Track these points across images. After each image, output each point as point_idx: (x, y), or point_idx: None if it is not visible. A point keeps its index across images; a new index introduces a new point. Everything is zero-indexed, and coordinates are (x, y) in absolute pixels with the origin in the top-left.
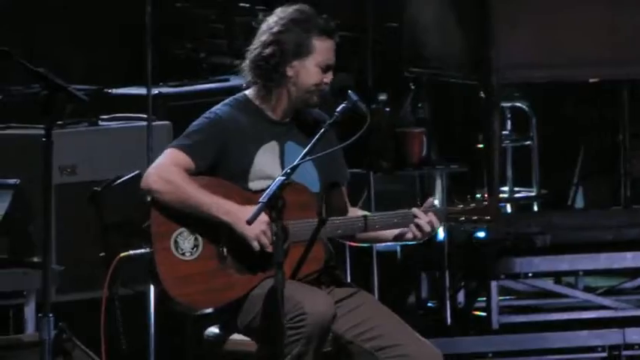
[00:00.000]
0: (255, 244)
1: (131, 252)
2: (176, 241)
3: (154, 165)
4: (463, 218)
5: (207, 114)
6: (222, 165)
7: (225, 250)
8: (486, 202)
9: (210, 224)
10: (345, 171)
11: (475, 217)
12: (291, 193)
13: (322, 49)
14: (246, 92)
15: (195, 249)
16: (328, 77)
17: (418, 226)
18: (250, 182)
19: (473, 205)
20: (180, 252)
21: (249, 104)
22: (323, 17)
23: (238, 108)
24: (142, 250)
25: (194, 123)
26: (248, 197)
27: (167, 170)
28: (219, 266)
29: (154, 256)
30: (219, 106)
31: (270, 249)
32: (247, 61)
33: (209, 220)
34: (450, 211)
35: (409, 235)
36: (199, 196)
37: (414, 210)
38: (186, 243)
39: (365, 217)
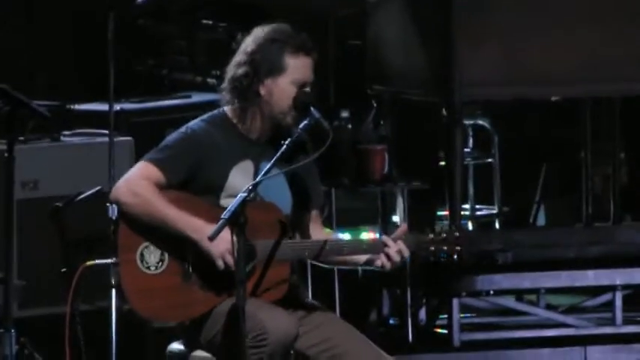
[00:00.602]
0: (220, 263)
1: (96, 261)
2: (142, 254)
3: (124, 177)
4: (433, 248)
5: (182, 129)
6: (195, 180)
7: (190, 266)
8: (457, 233)
9: (176, 240)
10: (319, 194)
11: (445, 247)
12: (260, 212)
13: (296, 66)
14: (225, 109)
15: (160, 263)
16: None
17: (387, 255)
18: (222, 199)
19: (444, 235)
20: (146, 265)
21: (226, 121)
22: (299, 35)
23: (215, 124)
24: (107, 260)
25: (168, 137)
26: (217, 214)
27: (137, 183)
28: (184, 282)
29: (119, 267)
30: (195, 121)
31: (232, 266)
32: (225, 81)
33: (175, 235)
34: (420, 240)
35: (377, 263)
36: (167, 211)
37: (384, 238)
38: (152, 257)
39: (333, 241)
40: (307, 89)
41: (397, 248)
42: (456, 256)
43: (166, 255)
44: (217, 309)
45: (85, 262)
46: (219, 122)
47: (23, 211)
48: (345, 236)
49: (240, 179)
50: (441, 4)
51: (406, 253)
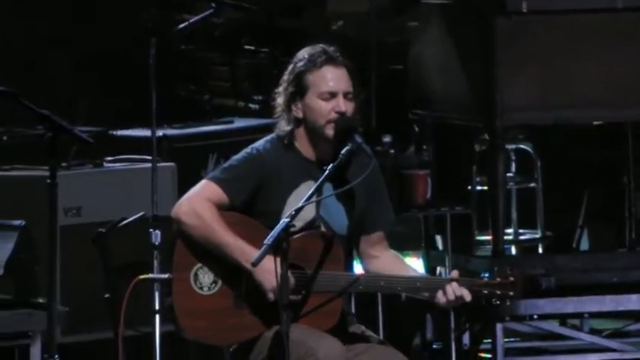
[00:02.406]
0: (271, 296)
1: (150, 275)
2: (196, 274)
3: (187, 195)
4: (486, 292)
5: (248, 149)
6: (256, 202)
7: (243, 290)
8: (512, 278)
9: (231, 265)
10: (383, 216)
11: (499, 292)
12: (320, 242)
13: (317, 79)
14: (287, 129)
15: (214, 285)
16: (338, 104)
17: (446, 294)
18: None
19: (498, 279)
20: (199, 285)
21: (290, 143)
22: (323, 49)
23: (279, 146)
24: (161, 275)
25: (234, 157)
26: None
27: (199, 204)
28: (235, 306)
29: (171, 284)
30: (261, 142)
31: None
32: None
33: (231, 261)
34: (473, 283)
35: (440, 300)
36: (224, 237)
37: (453, 284)
38: (205, 278)
39: (386, 278)
40: (344, 109)
41: (460, 293)
42: (508, 302)
43: (220, 277)
44: (265, 334)
45: (139, 276)
46: (283, 144)
47: (66, 238)
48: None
49: (300, 201)
50: (482, 28)
51: (468, 298)
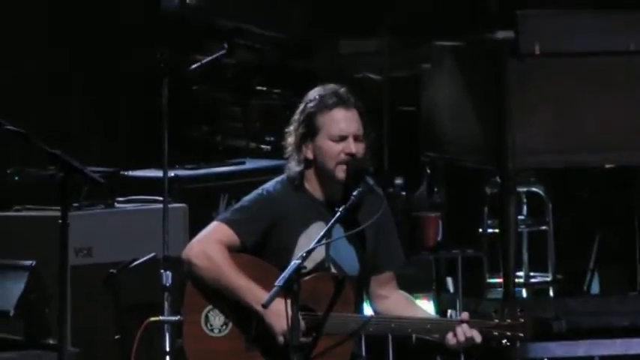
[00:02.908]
0: (281, 339)
1: (160, 317)
2: (207, 316)
3: (198, 237)
4: (496, 333)
5: (259, 190)
6: (268, 243)
7: (254, 332)
8: (522, 320)
9: (242, 307)
10: (393, 256)
11: (509, 334)
12: (331, 284)
13: (328, 121)
14: (297, 170)
15: (224, 327)
16: (348, 146)
17: (457, 336)
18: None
19: (508, 320)
20: (210, 328)
21: (300, 184)
22: (334, 91)
23: (289, 187)
24: (171, 318)
25: (245, 198)
26: None
27: (210, 246)
28: (246, 348)
29: (182, 326)
30: (271, 182)
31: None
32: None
33: (242, 304)
34: (484, 324)
35: (451, 341)
36: (235, 279)
37: (463, 326)
38: (216, 320)
39: (399, 319)
40: (354, 151)
41: (470, 334)
42: (518, 344)
43: (231, 318)
44: None
45: (149, 318)
46: (293, 185)
47: (77, 278)
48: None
49: (308, 244)
50: (494, 72)
51: (478, 339)
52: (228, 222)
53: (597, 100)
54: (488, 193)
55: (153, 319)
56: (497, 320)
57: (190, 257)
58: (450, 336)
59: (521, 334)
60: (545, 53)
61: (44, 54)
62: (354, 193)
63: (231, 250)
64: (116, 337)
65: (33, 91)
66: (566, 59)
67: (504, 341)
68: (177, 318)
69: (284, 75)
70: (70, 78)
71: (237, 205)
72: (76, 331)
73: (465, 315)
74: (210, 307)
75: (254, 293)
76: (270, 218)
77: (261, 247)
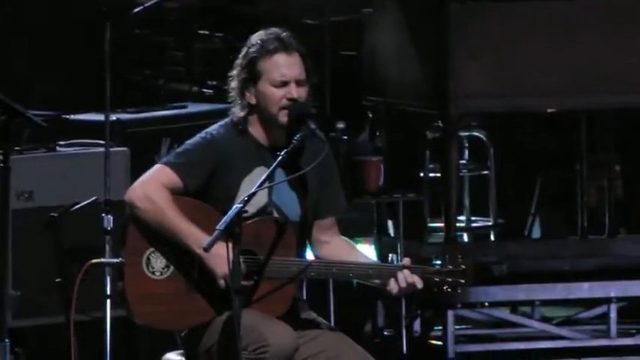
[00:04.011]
0: (222, 283)
1: (102, 259)
2: (148, 259)
3: (141, 179)
4: (437, 279)
5: (203, 134)
6: (211, 187)
7: (195, 275)
8: (464, 266)
9: (183, 250)
10: (335, 202)
11: (450, 280)
12: (274, 228)
13: (270, 67)
14: (242, 114)
15: (166, 269)
16: (290, 91)
17: (398, 282)
18: None
19: (449, 266)
20: (151, 270)
21: (244, 129)
22: (277, 35)
23: (233, 131)
24: (113, 260)
25: (188, 141)
26: None
27: (152, 188)
28: (187, 290)
29: (123, 269)
30: (215, 126)
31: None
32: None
33: (183, 246)
34: (425, 270)
35: (392, 289)
36: (177, 222)
37: (405, 271)
38: (158, 262)
39: (339, 264)
40: (296, 96)
41: (412, 280)
42: (459, 289)
43: (173, 261)
44: (216, 320)
45: (90, 261)
46: (237, 129)
47: (18, 222)
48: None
49: (253, 186)
50: (436, 16)
51: (419, 285)
52: (171, 165)
53: (539, 45)
54: (430, 137)
55: (94, 261)
56: (438, 266)
57: (133, 200)
58: (391, 282)
59: (463, 280)
60: None
61: None
62: (296, 137)
63: (174, 193)
64: (57, 280)
65: None
66: (508, 3)
67: (445, 287)
68: (118, 260)
69: (228, 19)
70: (12, 21)
71: (181, 149)
72: (17, 274)
73: (407, 260)
74: (152, 249)
75: (195, 236)
76: (214, 162)
77: (204, 191)
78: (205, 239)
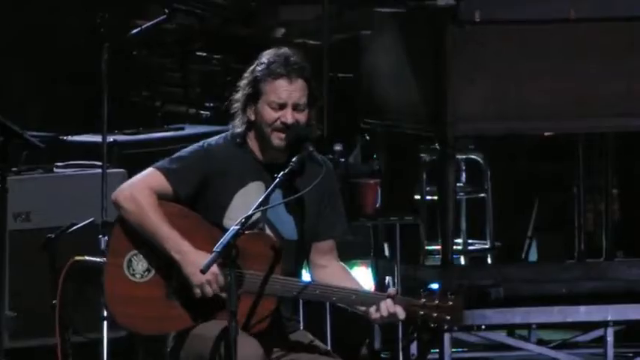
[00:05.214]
0: (197, 292)
1: (86, 257)
2: (130, 260)
3: (130, 181)
4: (422, 313)
5: (200, 143)
6: (203, 196)
7: (174, 282)
8: (451, 302)
9: (164, 255)
10: (334, 224)
11: (435, 315)
12: (257, 243)
13: (270, 89)
14: (241, 130)
15: (146, 273)
16: (286, 115)
17: (380, 311)
18: (226, 219)
19: (436, 301)
20: (132, 272)
21: (244, 142)
22: (284, 58)
23: (232, 144)
24: (96, 259)
25: (185, 149)
26: (216, 235)
27: (140, 191)
28: (165, 296)
29: (104, 268)
30: (215, 137)
31: (210, 296)
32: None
33: (163, 250)
34: (411, 303)
35: (374, 316)
36: (159, 226)
37: (387, 301)
38: (139, 265)
39: (321, 287)
40: (290, 121)
41: (393, 310)
42: (445, 326)
43: (154, 266)
44: (194, 331)
45: (74, 257)
46: (237, 142)
47: (15, 243)
48: (349, 280)
49: (246, 200)
50: (434, 39)
51: (401, 316)
52: (163, 170)
53: (536, 68)
54: (427, 160)
55: (77, 258)
56: (424, 300)
57: (119, 200)
58: (372, 310)
59: (448, 317)
60: (485, 20)
61: None
62: (293, 160)
63: (163, 198)
64: (53, 302)
65: None
66: (506, 27)
67: (430, 323)
68: (101, 260)
69: (224, 41)
70: (10, 43)
71: (176, 155)
72: (14, 296)
73: (392, 290)
74: (134, 251)
75: (175, 241)
76: (207, 171)
77: (195, 200)
78: (184, 245)
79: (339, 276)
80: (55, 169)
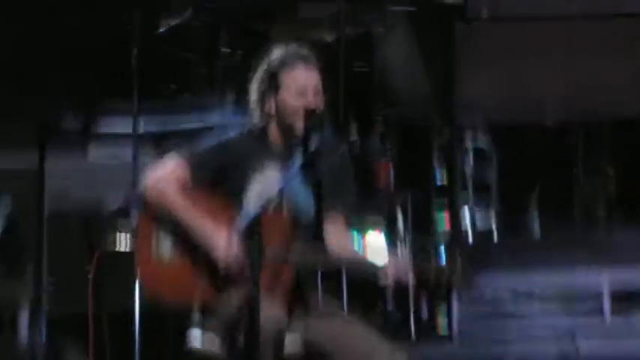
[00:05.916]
0: (223, 268)
1: (114, 249)
2: (157, 242)
3: (155, 169)
4: (431, 274)
5: (221, 134)
6: (222, 184)
7: (201, 260)
8: (457, 264)
9: (191, 234)
10: (343, 198)
11: (443, 276)
12: (277, 222)
13: (289, 78)
14: (261, 124)
15: (174, 252)
16: (309, 100)
17: (388, 277)
18: (245, 204)
19: (444, 265)
20: (160, 254)
21: (263, 134)
22: (295, 48)
23: (252, 136)
24: (122, 250)
25: (207, 139)
26: (236, 217)
27: (165, 180)
28: (193, 272)
29: (135, 253)
30: (234, 131)
31: (235, 272)
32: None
33: (191, 233)
34: (419, 265)
35: (382, 280)
36: (187, 214)
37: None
38: (167, 245)
39: (335, 257)
40: (314, 106)
41: (401, 268)
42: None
43: (180, 244)
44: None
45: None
46: (257, 134)
47: (52, 224)
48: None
49: (263, 188)
50: (443, 32)
51: (408, 275)
52: (185, 159)
53: (539, 62)
54: (437, 148)
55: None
56: (431, 265)
57: (146, 189)
58: (382, 274)
59: (455, 278)
60: (491, 17)
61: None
62: (310, 143)
63: (185, 186)
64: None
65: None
66: (511, 23)
67: (439, 281)
68: (127, 250)
69: (247, 37)
70: (43, 39)
71: (197, 146)
72: (51, 264)
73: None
74: (160, 233)
75: (202, 224)
76: (225, 160)
77: (215, 186)
78: (210, 227)
79: (341, 242)
80: (90, 156)
